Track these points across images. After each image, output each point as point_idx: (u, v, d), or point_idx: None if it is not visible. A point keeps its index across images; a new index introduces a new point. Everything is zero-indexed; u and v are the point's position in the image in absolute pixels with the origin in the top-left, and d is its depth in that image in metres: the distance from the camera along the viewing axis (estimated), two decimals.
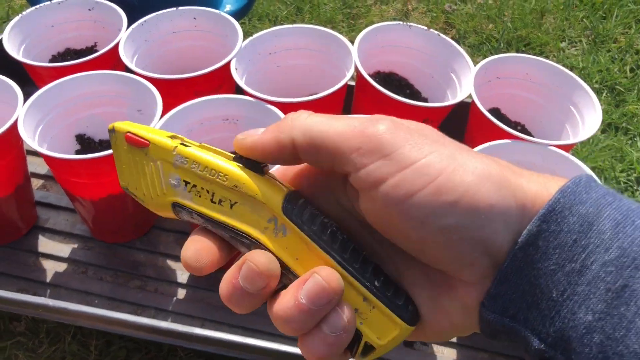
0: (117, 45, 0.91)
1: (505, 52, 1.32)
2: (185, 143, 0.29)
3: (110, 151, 0.75)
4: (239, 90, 0.87)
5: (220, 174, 0.28)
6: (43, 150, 0.76)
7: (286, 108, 0.82)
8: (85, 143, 0.90)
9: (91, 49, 1.04)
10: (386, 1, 1.44)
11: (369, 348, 0.28)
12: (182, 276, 0.88)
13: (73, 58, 1.01)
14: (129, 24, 0.94)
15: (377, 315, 0.27)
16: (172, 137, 0.29)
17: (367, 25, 1.38)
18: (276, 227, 0.28)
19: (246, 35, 0.93)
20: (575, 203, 0.25)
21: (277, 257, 0.28)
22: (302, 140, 0.27)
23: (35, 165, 1.02)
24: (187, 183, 0.29)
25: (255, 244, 0.29)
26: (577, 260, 0.24)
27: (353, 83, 0.98)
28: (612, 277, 0.23)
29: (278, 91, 0.94)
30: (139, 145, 0.29)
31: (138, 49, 0.94)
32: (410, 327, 0.27)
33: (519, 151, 0.79)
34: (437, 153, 0.25)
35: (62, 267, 0.89)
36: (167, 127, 0.80)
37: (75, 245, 0.92)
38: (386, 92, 0.81)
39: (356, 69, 0.87)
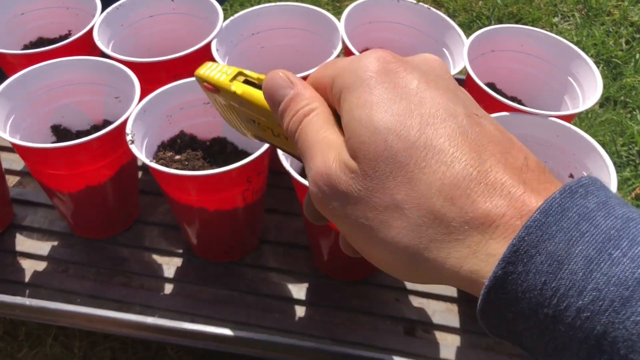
0: (91, 30, 0.86)
1: None
2: (247, 78, 0.31)
3: (85, 138, 0.70)
4: None
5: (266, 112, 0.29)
6: (15, 141, 0.71)
7: None
8: (61, 134, 0.86)
9: (65, 37, 0.99)
10: None
11: None
12: (169, 270, 0.83)
13: (47, 45, 0.96)
14: (104, 10, 0.89)
15: None
16: (237, 74, 0.31)
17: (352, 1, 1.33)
18: None
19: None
20: (542, 240, 0.21)
21: None
22: None
23: (10, 162, 0.97)
24: (253, 120, 0.31)
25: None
26: (549, 305, 0.21)
27: None
28: (588, 324, 0.20)
29: (262, 72, 0.90)
30: (212, 91, 0.31)
31: (114, 35, 0.89)
32: None
33: (519, 124, 0.75)
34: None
35: (41, 266, 0.84)
36: (146, 113, 0.75)
37: (55, 243, 0.87)
38: None
39: (344, 46, 0.82)
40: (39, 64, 0.80)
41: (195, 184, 0.69)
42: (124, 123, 0.72)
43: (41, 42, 0.98)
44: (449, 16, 1.31)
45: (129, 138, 0.71)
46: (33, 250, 0.86)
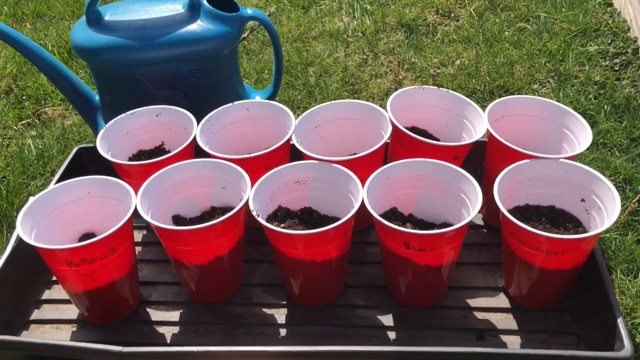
0: (190, 143, 1.10)
1: (489, 100, 1.57)
2: None
3: (215, 221, 0.92)
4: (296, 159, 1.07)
5: None
6: (165, 226, 0.93)
7: (346, 164, 1.02)
8: (180, 222, 1.08)
9: (159, 148, 1.23)
10: (380, 75, 1.69)
11: None
12: (280, 318, 1.04)
13: (146, 157, 1.20)
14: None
15: None
16: None
17: (368, 97, 1.62)
18: None
19: None
20: None
21: None
22: None
23: None
24: None
25: None
26: None
27: None
28: None
29: (324, 154, 1.14)
30: None
31: (208, 140, 1.13)
32: None
33: (537, 167, 1.00)
34: None
35: (175, 329, 1.04)
36: (258, 195, 0.98)
37: (181, 311, 1.07)
38: (422, 138, 1.03)
39: (393, 126, 1.08)
40: (167, 167, 1.03)
41: (313, 240, 0.91)
42: (244, 205, 0.95)
43: (141, 153, 1.22)
44: None
45: (254, 213, 0.94)
46: (165, 319, 1.06)
